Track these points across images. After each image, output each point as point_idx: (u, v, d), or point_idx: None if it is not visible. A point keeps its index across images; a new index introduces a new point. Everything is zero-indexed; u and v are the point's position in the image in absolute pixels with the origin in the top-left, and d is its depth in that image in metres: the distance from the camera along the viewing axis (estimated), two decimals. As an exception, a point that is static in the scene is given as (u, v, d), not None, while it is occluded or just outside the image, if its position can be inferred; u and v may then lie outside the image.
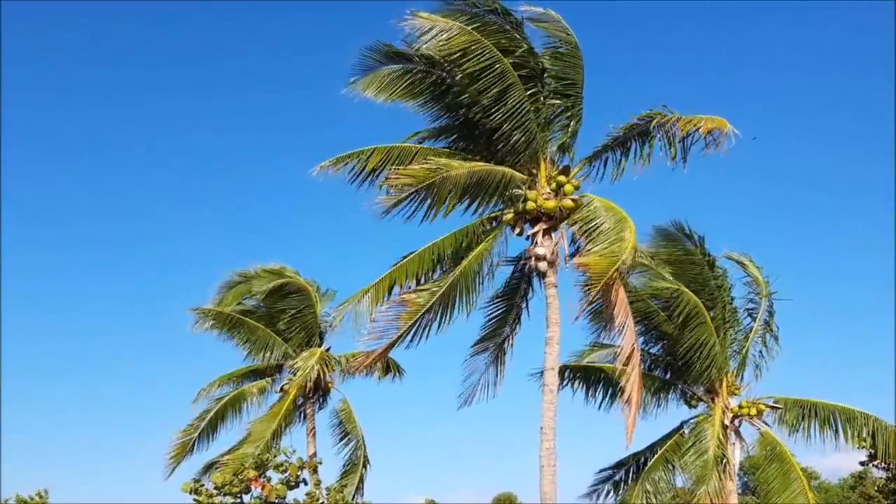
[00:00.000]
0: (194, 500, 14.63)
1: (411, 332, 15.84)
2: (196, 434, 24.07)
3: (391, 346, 16.08)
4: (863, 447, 20.66)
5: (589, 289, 14.02)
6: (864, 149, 79.22)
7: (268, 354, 24.50)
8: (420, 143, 16.45)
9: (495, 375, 17.41)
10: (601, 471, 21.14)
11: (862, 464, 26.60)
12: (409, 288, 15.90)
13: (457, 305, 16.26)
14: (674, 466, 19.42)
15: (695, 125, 14.37)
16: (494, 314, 17.17)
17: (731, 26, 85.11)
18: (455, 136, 16.48)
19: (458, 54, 14.69)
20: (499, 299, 17.06)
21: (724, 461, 18.54)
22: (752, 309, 20.60)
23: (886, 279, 66.33)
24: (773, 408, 20.01)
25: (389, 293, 15.86)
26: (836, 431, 19.52)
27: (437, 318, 16.13)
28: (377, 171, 15.73)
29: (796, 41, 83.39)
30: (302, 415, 24.60)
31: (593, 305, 15.38)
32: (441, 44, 14.55)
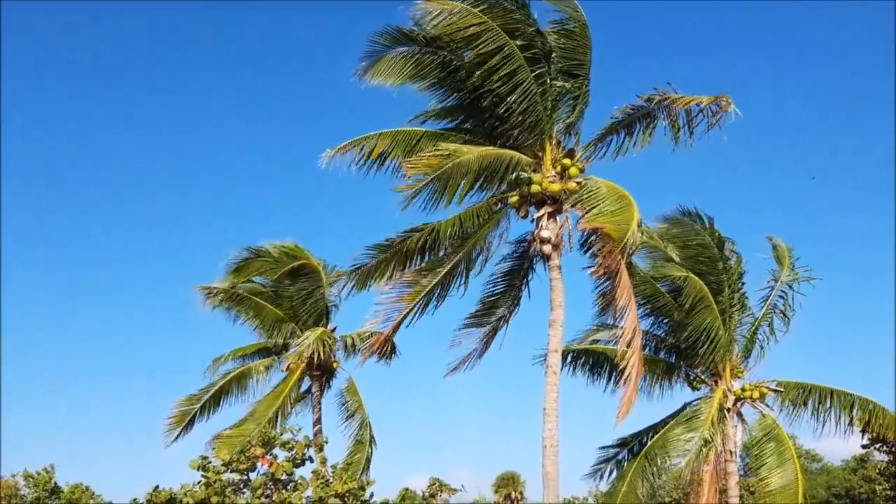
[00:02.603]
0: (202, 476, 14.78)
1: (412, 312, 16.20)
2: (199, 405, 24.14)
3: (397, 326, 16.42)
4: (864, 430, 20.80)
5: (603, 255, 14.03)
6: (867, 136, 78.64)
7: (275, 333, 24.61)
8: (423, 122, 16.43)
9: (482, 351, 17.62)
10: (603, 448, 21.30)
11: (864, 447, 26.67)
12: (413, 268, 16.13)
13: (455, 285, 16.64)
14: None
15: (697, 102, 14.34)
16: (492, 293, 17.31)
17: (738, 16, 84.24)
18: (461, 117, 16.44)
19: (465, 36, 14.67)
20: (498, 279, 17.19)
21: (712, 443, 18.70)
22: (767, 294, 20.67)
23: (887, 265, 66.15)
24: (775, 391, 20.07)
25: (391, 275, 16.16)
26: (832, 413, 19.67)
27: (436, 298, 16.49)
28: (384, 156, 15.79)
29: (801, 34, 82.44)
30: (308, 394, 24.77)
31: (600, 287, 15.48)
32: (448, 26, 14.52)
